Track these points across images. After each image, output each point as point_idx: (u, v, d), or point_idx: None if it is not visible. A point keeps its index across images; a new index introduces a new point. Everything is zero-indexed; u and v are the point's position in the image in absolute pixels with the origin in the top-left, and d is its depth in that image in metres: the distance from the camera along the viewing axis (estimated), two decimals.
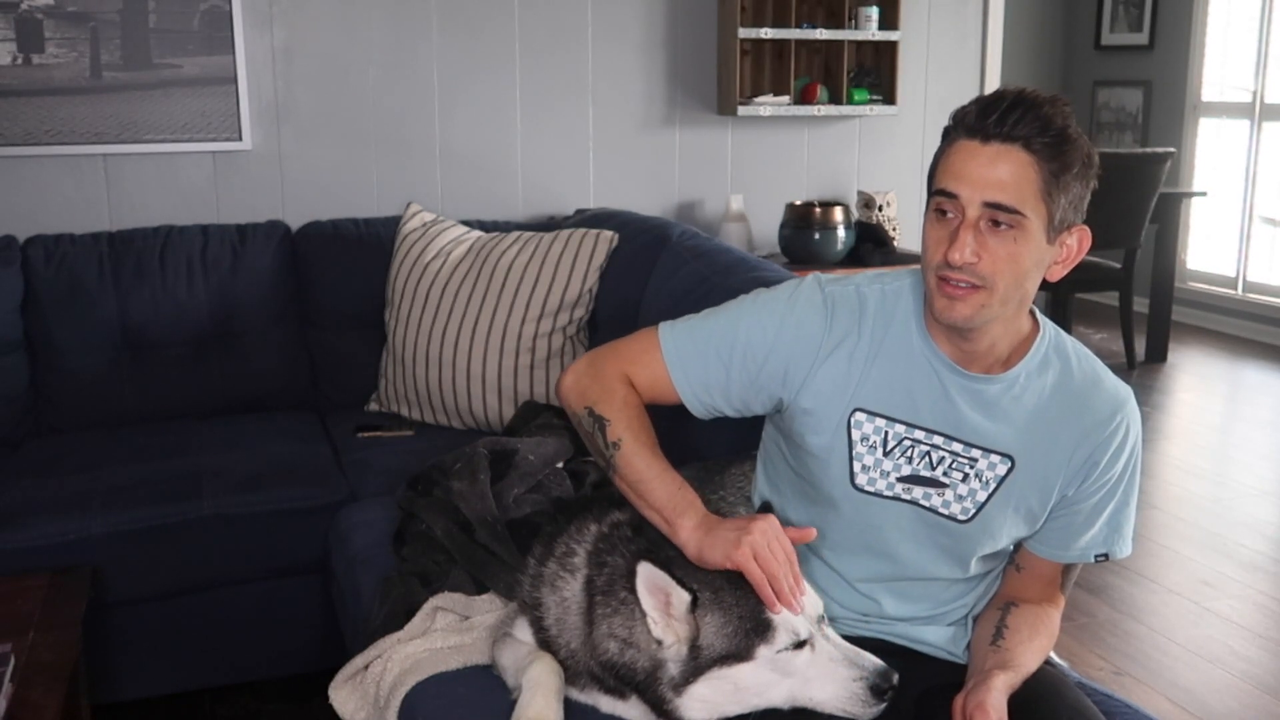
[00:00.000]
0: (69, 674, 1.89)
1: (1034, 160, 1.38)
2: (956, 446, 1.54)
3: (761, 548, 1.42)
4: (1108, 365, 1.62)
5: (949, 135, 1.45)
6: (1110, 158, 5.38)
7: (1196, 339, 6.35)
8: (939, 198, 1.43)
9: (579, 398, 1.63)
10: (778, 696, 1.43)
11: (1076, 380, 1.55)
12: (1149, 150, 5.53)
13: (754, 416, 1.71)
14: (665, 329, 1.64)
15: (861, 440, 1.55)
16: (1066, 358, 1.56)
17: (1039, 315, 1.57)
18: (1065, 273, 1.48)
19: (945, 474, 1.54)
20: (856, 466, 1.56)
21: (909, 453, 1.55)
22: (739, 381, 1.59)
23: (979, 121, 1.39)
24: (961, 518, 1.56)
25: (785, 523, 1.65)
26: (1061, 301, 5.52)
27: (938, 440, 1.54)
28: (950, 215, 1.42)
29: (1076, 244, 1.47)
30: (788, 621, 1.42)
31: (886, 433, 1.55)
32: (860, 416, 1.55)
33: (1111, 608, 3.19)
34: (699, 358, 1.61)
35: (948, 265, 1.41)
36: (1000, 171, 1.38)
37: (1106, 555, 1.60)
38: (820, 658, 1.43)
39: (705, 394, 1.62)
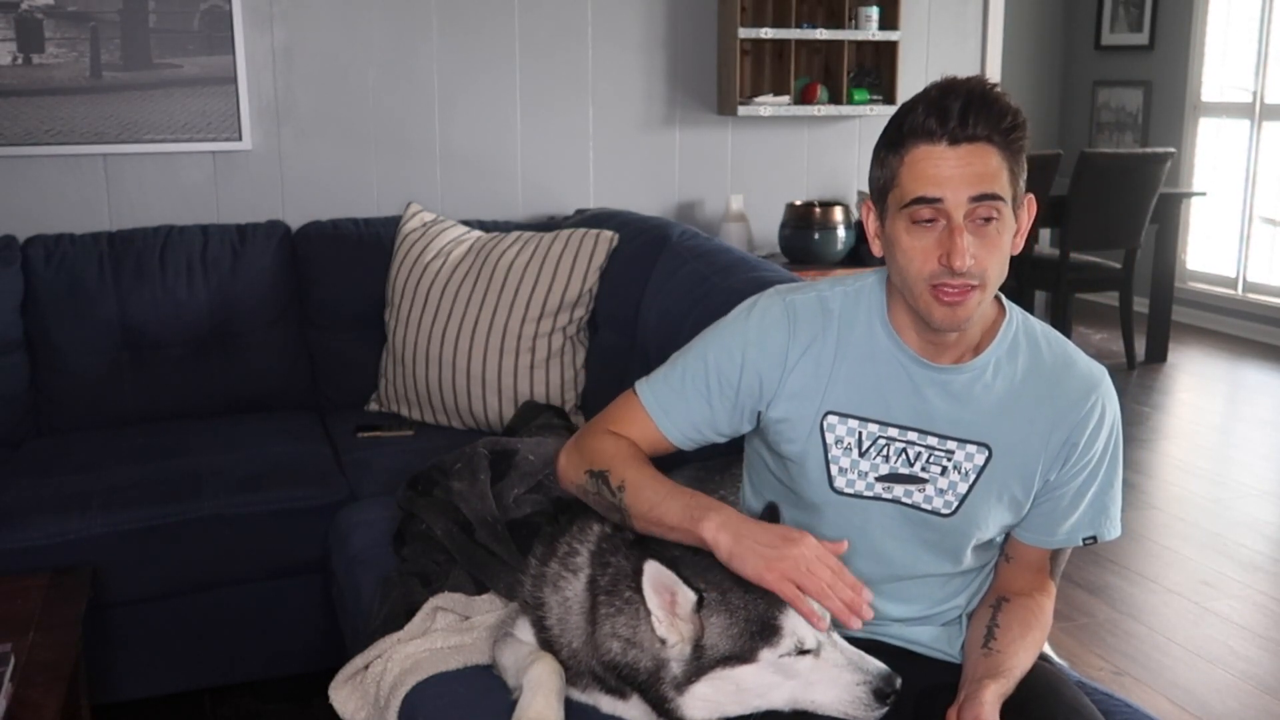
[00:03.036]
0: (69, 674, 1.89)
1: (998, 151, 1.41)
2: (931, 440, 1.54)
3: (799, 573, 1.39)
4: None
5: (902, 143, 1.43)
6: (1110, 158, 5.39)
7: (1196, 339, 6.35)
8: (917, 206, 1.42)
9: (575, 469, 1.64)
10: (779, 698, 1.43)
11: (1047, 363, 1.56)
12: (1149, 150, 5.53)
13: None
14: (641, 385, 1.66)
15: (836, 443, 1.56)
16: (1036, 341, 1.57)
17: (1005, 300, 1.57)
18: (1022, 244, 1.50)
19: (924, 469, 1.54)
20: (834, 469, 1.56)
21: (885, 451, 1.55)
22: (722, 410, 1.61)
23: (940, 126, 1.39)
24: (945, 511, 1.56)
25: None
26: (1061, 301, 5.52)
27: (912, 436, 1.54)
28: (934, 221, 1.42)
29: (1027, 212, 1.49)
30: (794, 627, 1.42)
31: (860, 433, 1.55)
32: (833, 419, 1.55)
33: (1111, 608, 3.19)
34: (679, 400, 1.62)
35: (950, 272, 1.41)
36: (978, 167, 1.40)
37: (1094, 538, 1.60)
38: (824, 662, 1.42)
39: (694, 432, 1.63)
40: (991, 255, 1.42)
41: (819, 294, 1.60)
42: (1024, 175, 1.45)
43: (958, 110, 1.38)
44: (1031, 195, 1.50)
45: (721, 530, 1.44)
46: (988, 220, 1.41)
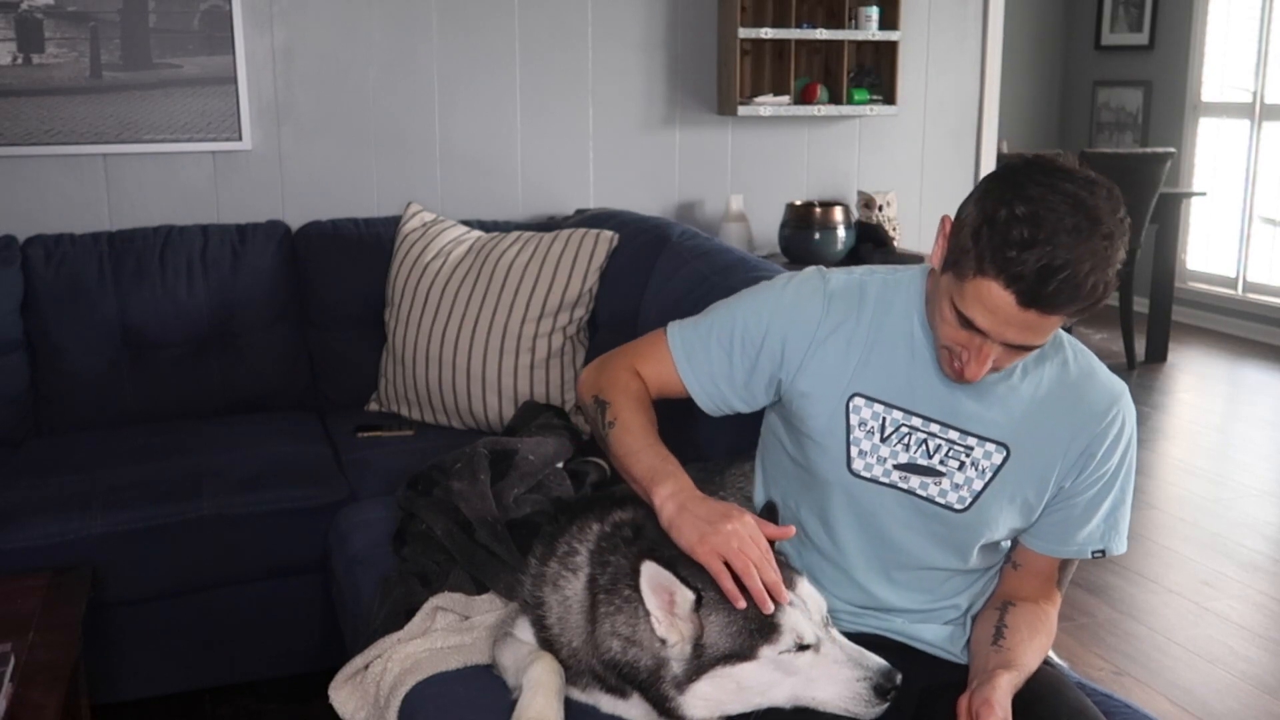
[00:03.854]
0: (69, 674, 1.89)
1: (1064, 317, 1.39)
2: (953, 434, 1.55)
3: (728, 550, 1.43)
4: (1107, 365, 1.63)
5: (981, 263, 1.36)
6: (1110, 158, 5.39)
7: (1196, 339, 6.35)
8: (965, 320, 1.41)
9: (588, 390, 1.72)
10: (780, 695, 1.44)
11: (1072, 373, 1.57)
12: (1149, 150, 5.53)
13: (755, 416, 1.72)
14: (673, 326, 1.71)
15: (860, 425, 1.57)
16: (1063, 350, 1.59)
17: None
18: None
19: (942, 462, 1.56)
20: (854, 451, 1.57)
21: (906, 439, 1.56)
22: (741, 367, 1.64)
23: (1026, 288, 1.33)
24: (958, 507, 1.56)
25: (793, 522, 1.66)
26: None
27: (934, 428, 1.55)
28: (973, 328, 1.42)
29: None
30: (793, 623, 1.42)
31: (885, 418, 1.56)
32: (859, 401, 1.57)
33: (1111, 608, 3.19)
34: (702, 349, 1.66)
35: (961, 361, 1.45)
36: (1034, 326, 1.38)
37: (1103, 552, 1.61)
38: (824, 658, 1.43)
39: (711, 385, 1.66)
40: (1013, 359, 1.46)
41: (859, 278, 1.63)
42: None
43: (1046, 292, 1.32)
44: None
45: (669, 499, 1.50)
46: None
